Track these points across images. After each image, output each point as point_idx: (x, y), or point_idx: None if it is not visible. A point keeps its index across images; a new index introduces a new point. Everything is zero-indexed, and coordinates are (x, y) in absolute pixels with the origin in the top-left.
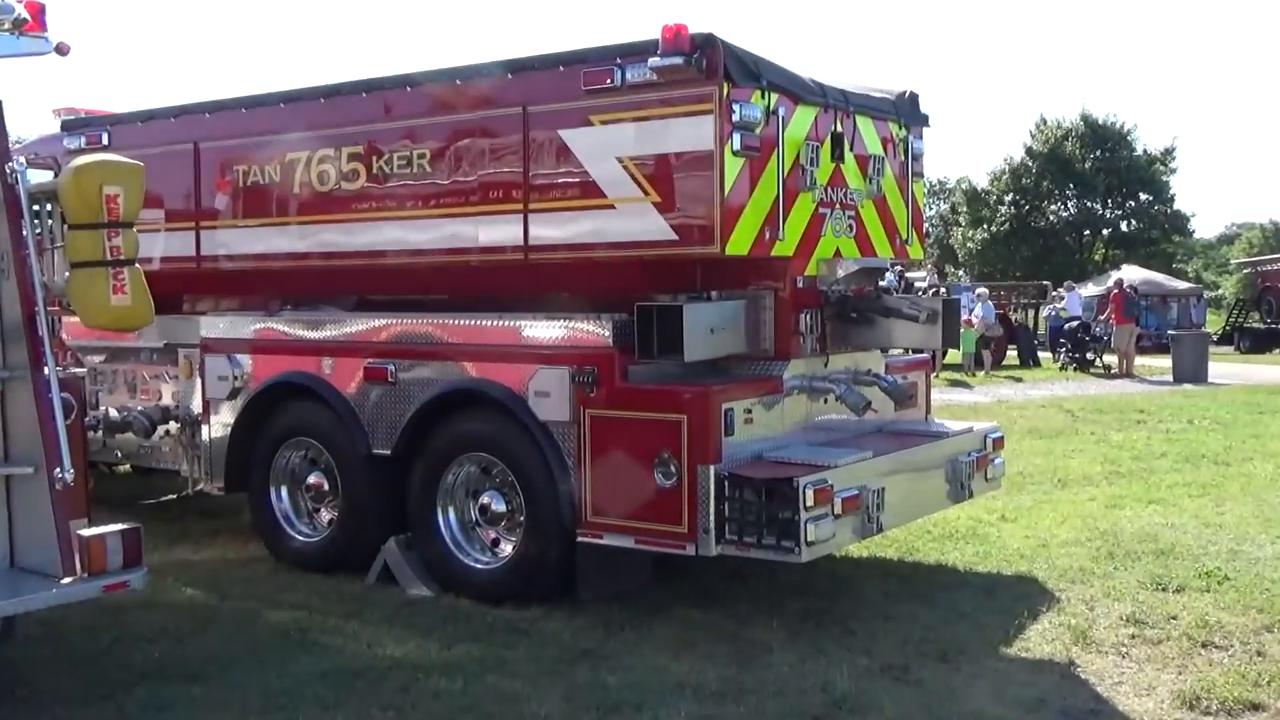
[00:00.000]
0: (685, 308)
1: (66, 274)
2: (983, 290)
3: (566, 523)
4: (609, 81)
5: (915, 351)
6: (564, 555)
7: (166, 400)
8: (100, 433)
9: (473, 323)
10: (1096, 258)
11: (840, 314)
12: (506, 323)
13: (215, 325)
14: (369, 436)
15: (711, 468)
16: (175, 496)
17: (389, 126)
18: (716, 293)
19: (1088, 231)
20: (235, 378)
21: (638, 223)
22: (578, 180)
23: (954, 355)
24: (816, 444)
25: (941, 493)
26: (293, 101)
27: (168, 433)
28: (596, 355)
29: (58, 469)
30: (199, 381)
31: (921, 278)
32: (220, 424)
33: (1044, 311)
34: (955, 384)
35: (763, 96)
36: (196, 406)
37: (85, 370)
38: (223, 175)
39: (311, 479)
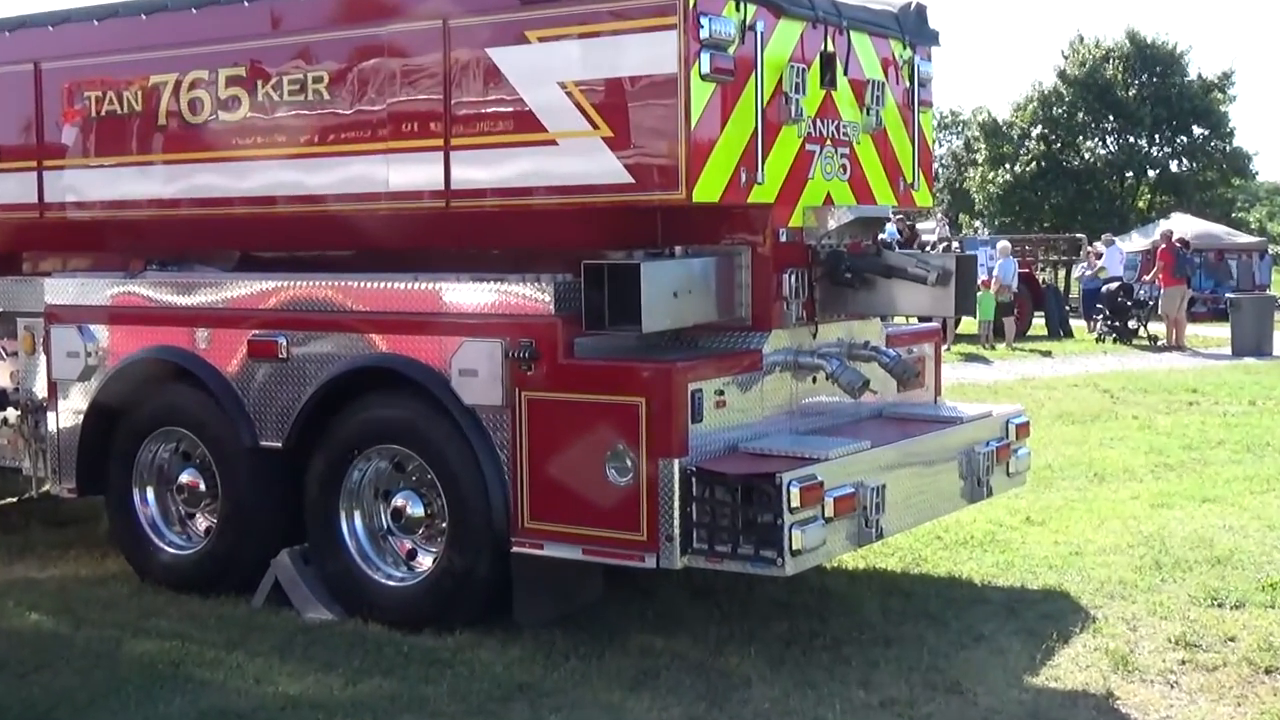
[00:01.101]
0: (643, 267)
1: None
2: (1004, 245)
3: (499, 530)
4: None
5: (922, 320)
6: (496, 569)
7: (3, 382)
8: None
9: (382, 285)
10: (1141, 205)
11: (832, 274)
12: (424, 285)
13: (63, 289)
14: (255, 426)
15: (675, 462)
16: (15, 500)
17: (277, 43)
18: (681, 248)
19: (1130, 173)
20: (88, 354)
21: (585, 163)
22: (510, 110)
23: (969, 324)
24: (803, 432)
25: (954, 491)
26: (156, 11)
27: (4, 421)
28: (534, 325)
29: None
30: (43, 359)
31: (930, 230)
32: (70, 411)
33: (1077, 271)
34: (971, 359)
35: (738, 8)
36: (41, 390)
37: None
38: (70, 103)
39: (184, 478)
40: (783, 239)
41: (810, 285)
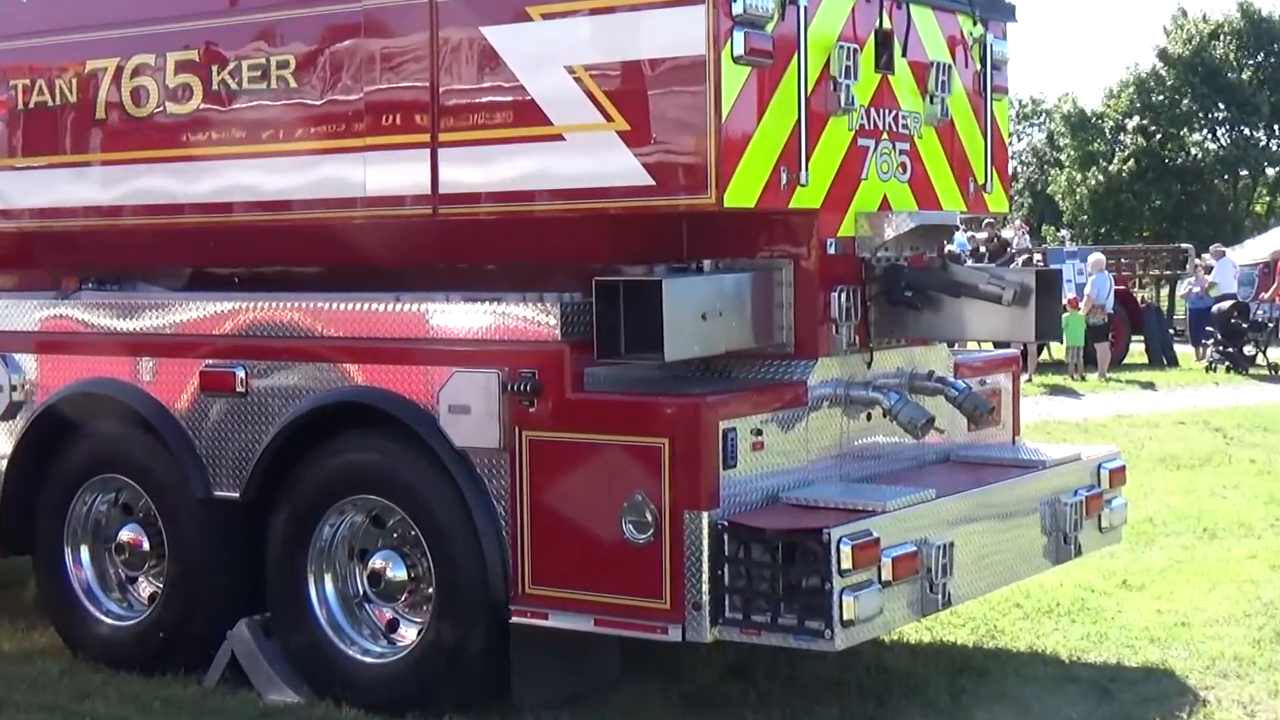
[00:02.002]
0: (665, 284)
1: None
2: (1096, 257)
3: (496, 596)
4: None
5: (998, 346)
6: (492, 643)
7: None
8: None
9: (358, 307)
10: (1258, 209)
11: (889, 293)
12: (407, 307)
13: None
14: (207, 473)
15: (704, 515)
16: None
17: (235, 21)
18: (711, 262)
19: (1245, 171)
20: (13, 388)
21: (596, 161)
22: (509, 99)
23: (1055, 350)
24: (856, 480)
25: (1036, 549)
26: None
27: None
28: (537, 353)
29: None
30: None
31: (1008, 240)
32: None
33: (1183, 288)
34: (1056, 391)
35: None
36: None
37: None
38: None
39: (125, 535)
40: (831, 251)
41: (864, 305)
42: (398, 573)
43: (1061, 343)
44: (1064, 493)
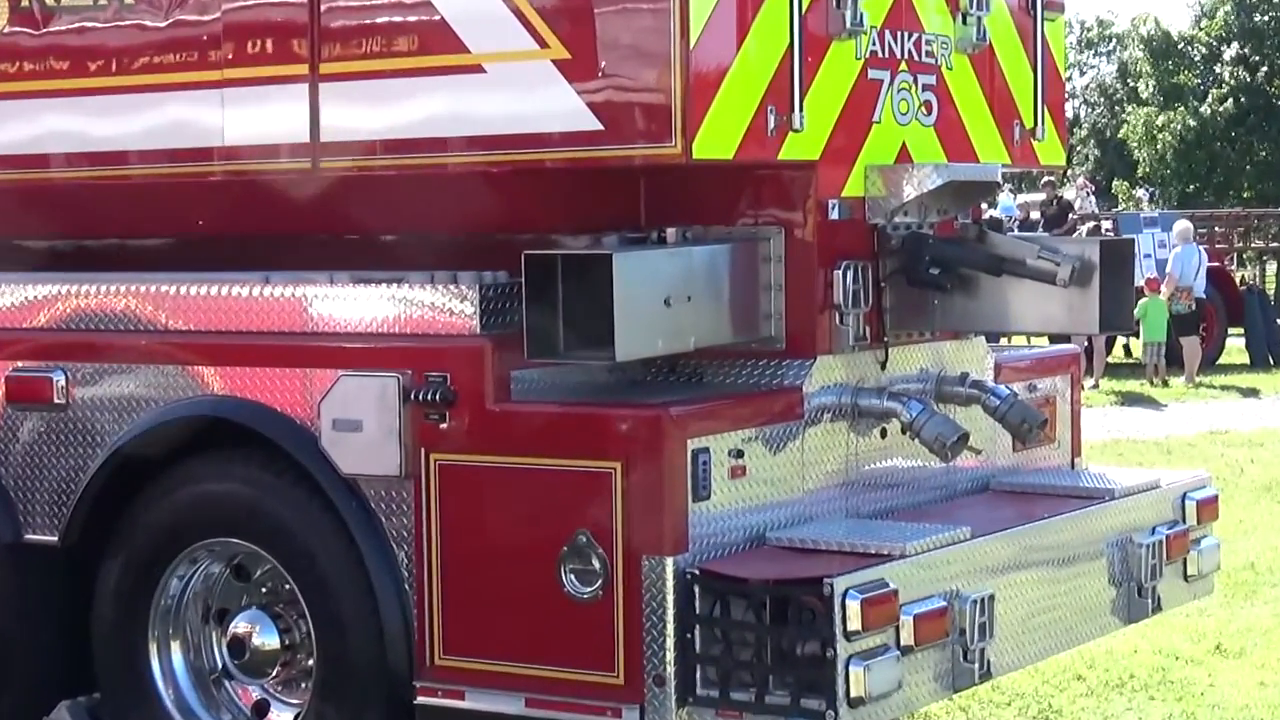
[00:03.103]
0: (617, 260)
1: None
2: (1183, 225)
3: (396, 670)
4: None
5: (1054, 340)
6: None
7: None
8: None
9: (215, 291)
10: None
11: (911, 270)
12: (279, 291)
13: None
14: (16, 510)
15: (669, 561)
16: None
17: None
18: (677, 231)
19: None
20: None
21: (528, 99)
22: (413, 20)
23: (1129, 346)
24: (867, 515)
25: (1102, 604)
26: None
27: None
28: (450, 352)
29: None
30: None
31: (1069, 203)
32: None
33: None
34: (1130, 400)
35: None
36: None
37: None
38: None
39: None
40: (834, 216)
41: (877, 287)
42: (267, 640)
43: (1137, 337)
44: (1138, 531)
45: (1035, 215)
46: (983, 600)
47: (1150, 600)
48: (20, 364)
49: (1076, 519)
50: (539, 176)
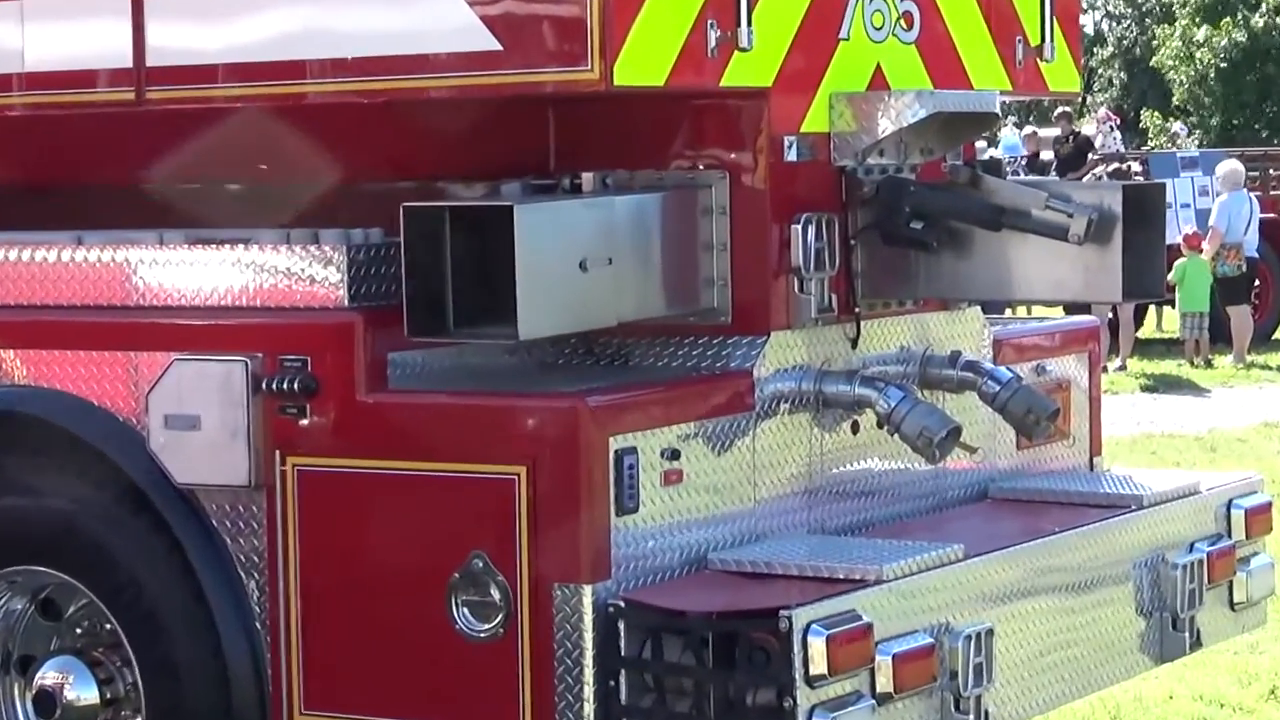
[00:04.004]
0: (520, 213)
1: None
2: (1230, 167)
3: None
4: None
5: (1069, 312)
6: None
7: None
8: None
9: (16, 256)
10: None
11: (888, 224)
12: (96, 255)
13: None
14: None
15: (586, 590)
16: None
17: None
18: (594, 177)
19: None
20: None
21: (409, 13)
22: None
23: (1163, 318)
24: (835, 530)
25: (1128, 638)
26: None
27: None
28: (312, 330)
29: None
30: None
31: (1088, 139)
32: None
33: None
34: (1164, 384)
35: None
36: None
37: None
38: None
39: None
40: (791, 157)
41: (846, 246)
42: (83, 693)
43: (1173, 307)
44: (1173, 548)
45: (1046, 155)
46: (979, 636)
47: (1188, 634)
48: None
49: (1096, 534)
50: (422, 109)
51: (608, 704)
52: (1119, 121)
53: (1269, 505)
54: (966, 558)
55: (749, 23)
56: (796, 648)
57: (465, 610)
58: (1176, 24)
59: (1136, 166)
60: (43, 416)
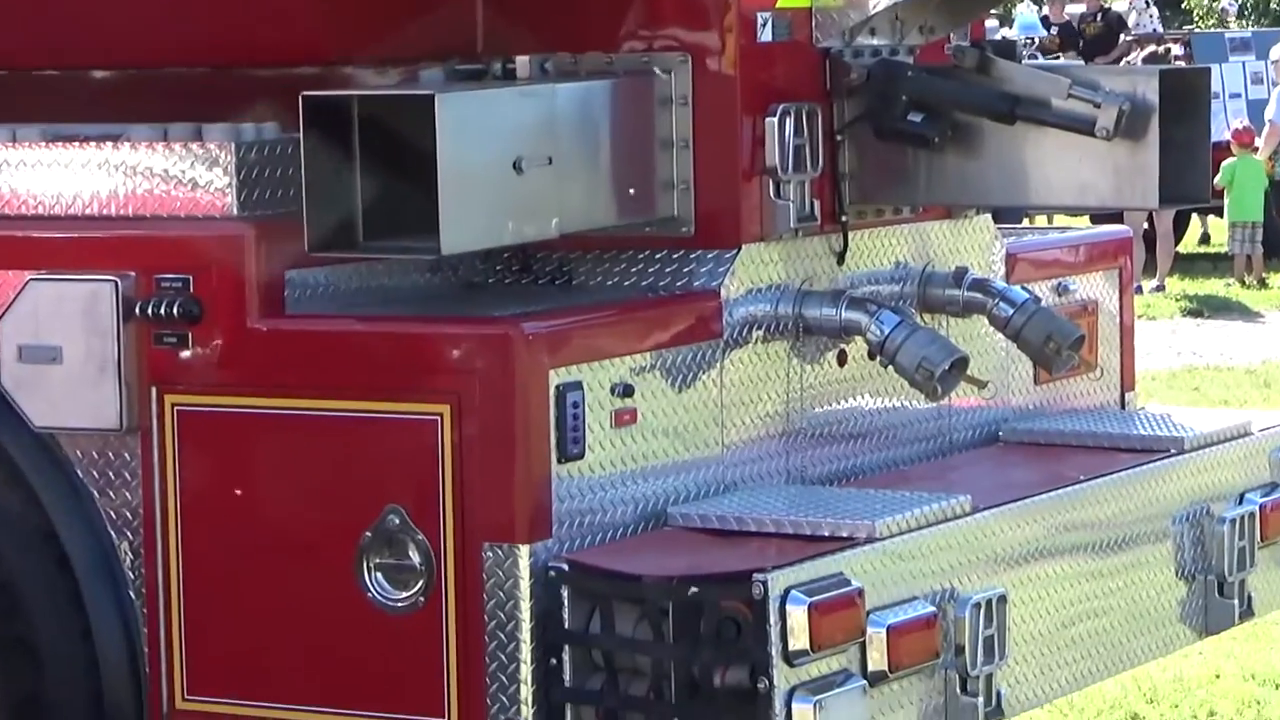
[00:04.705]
0: (441, 102)
1: None
2: None
3: (119, 714)
4: None
5: (1096, 221)
6: None
7: None
8: None
9: None
10: None
11: (882, 116)
12: None
13: None
14: None
15: (523, 552)
16: None
17: None
18: (531, 61)
19: None
20: None
21: None
22: None
23: (1209, 229)
24: (817, 479)
25: (1167, 607)
26: None
27: None
28: (194, 243)
29: None
30: None
31: (1119, 17)
32: None
33: None
34: (1210, 307)
35: None
36: None
37: None
38: None
39: None
40: (765, 36)
41: (831, 142)
42: None
43: (1220, 216)
44: (1220, 500)
45: (1062, 36)
46: (989, 604)
47: (1237, 601)
48: None
49: (1128, 483)
50: None
51: (549, 686)
52: None
53: None
54: (974, 511)
55: None
56: (773, 618)
57: (379, 576)
58: None
59: (1177, 49)
60: None
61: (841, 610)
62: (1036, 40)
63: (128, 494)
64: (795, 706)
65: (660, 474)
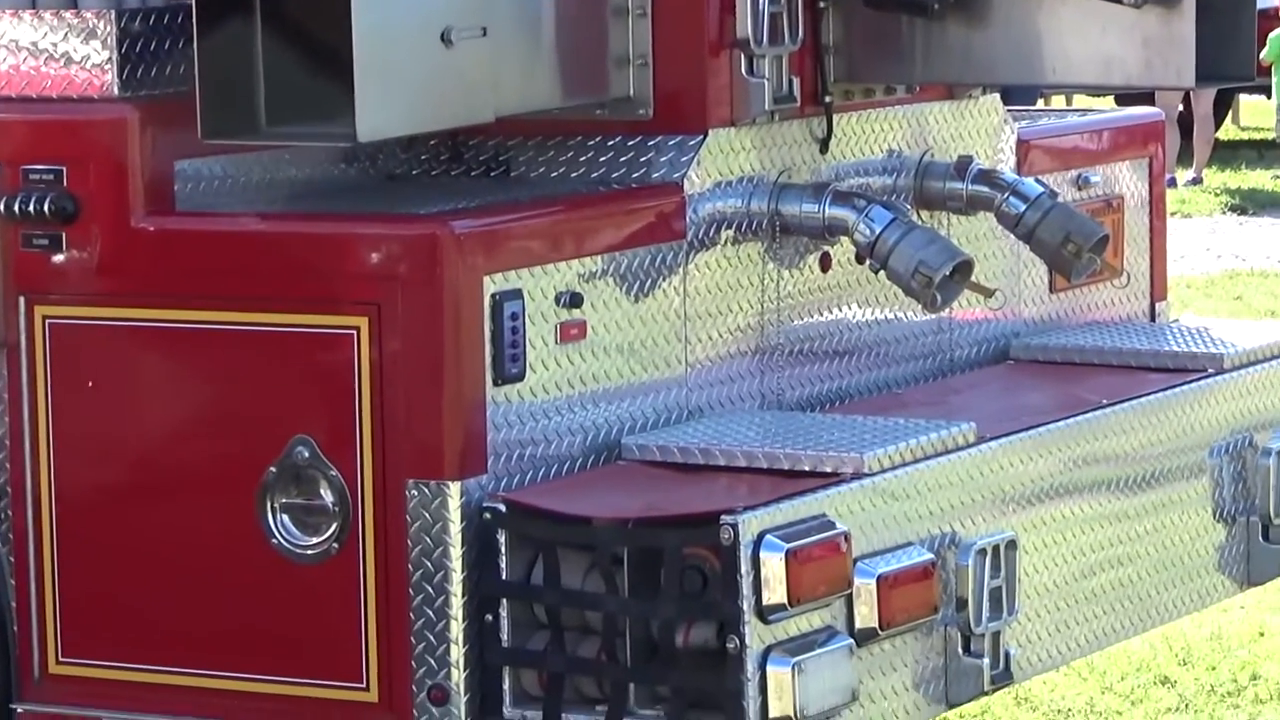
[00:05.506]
0: None
1: None
2: None
3: None
4: None
5: (1121, 102)
6: None
7: None
8: None
9: None
10: None
11: None
12: None
13: None
14: None
15: (453, 489)
16: None
17: None
18: None
19: None
20: None
21: None
22: None
23: (1252, 114)
24: (796, 404)
25: (1204, 553)
26: None
27: None
28: (68, 128)
29: None
30: None
31: None
32: None
33: None
34: (1255, 202)
35: None
36: None
37: None
38: None
39: None
40: None
41: (813, 8)
42: None
43: (1268, 96)
44: (1265, 429)
45: None
46: (997, 550)
47: None
48: None
49: (1158, 408)
50: None
51: (483, 647)
52: None
53: None
54: (979, 442)
55: None
56: (744, 567)
57: (285, 519)
58: None
59: None
60: None
61: (824, 558)
62: None
63: None
64: (770, 670)
65: (613, 398)
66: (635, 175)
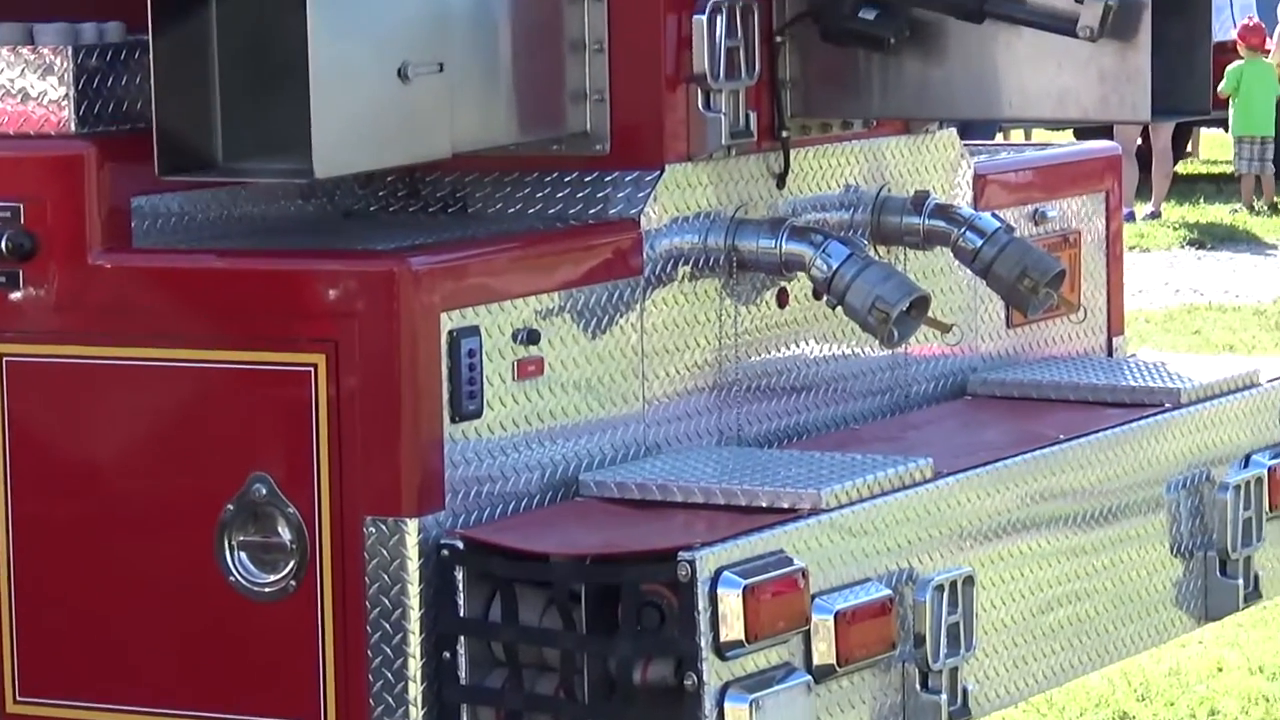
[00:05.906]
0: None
1: None
2: None
3: None
4: None
5: (1080, 136)
6: None
7: None
8: None
9: None
10: None
11: (831, 14)
12: None
13: None
14: None
15: (410, 526)
16: None
17: None
18: None
19: None
20: None
21: None
22: None
23: (1211, 147)
24: (753, 442)
25: (1161, 588)
26: None
27: None
28: (25, 165)
29: None
30: None
31: None
32: None
33: None
34: (1212, 237)
35: None
36: None
37: None
38: None
39: None
40: None
41: (770, 43)
42: None
43: (1225, 130)
44: (1222, 463)
45: None
46: (954, 586)
47: (1242, 581)
48: None
49: (1116, 443)
50: None
51: (441, 684)
52: None
53: None
54: (937, 477)
55: None
56: (702, 604)
57: (243, 556)
58: None
59: None
60: None
61: (782, 594)
62: None
63: None
64: (728, 706)
65: (571, 435)
66: (592, 211)
